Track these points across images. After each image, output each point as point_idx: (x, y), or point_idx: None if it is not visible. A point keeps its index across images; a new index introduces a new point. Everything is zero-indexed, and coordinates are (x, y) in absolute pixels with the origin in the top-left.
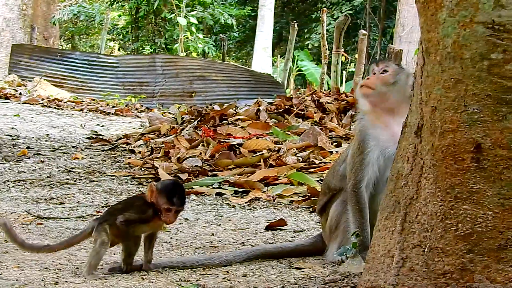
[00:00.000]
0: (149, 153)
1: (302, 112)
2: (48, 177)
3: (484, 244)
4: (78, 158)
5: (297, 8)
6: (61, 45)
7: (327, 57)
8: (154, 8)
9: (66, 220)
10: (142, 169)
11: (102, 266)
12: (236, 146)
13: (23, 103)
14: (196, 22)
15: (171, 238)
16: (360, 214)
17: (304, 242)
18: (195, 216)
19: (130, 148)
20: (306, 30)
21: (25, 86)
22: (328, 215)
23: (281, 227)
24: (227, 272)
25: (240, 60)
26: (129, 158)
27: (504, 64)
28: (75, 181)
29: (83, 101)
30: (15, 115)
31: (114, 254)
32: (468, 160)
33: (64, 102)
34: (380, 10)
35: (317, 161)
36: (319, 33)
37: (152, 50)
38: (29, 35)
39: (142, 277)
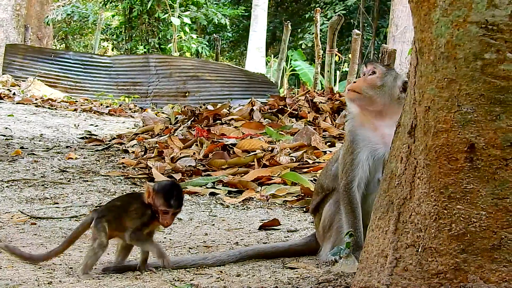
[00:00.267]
0: (142, 153)
1: (296, 112)
2: (42, 177)
3: (478, 244)
4: (72, 158)
5: (291, 8)
6: (55, 45)
7: (321, 57)
8: (148, 8)
9: (60, 220)
10: (136, 169)
11: (95, 266)
12: (230, 146)
13: (17, 103)
14: (189, 22)
15: (164, 238)
16: (352, 214)
17: (298, 242)
18: (189, 216)
19: (124, 148)
20: (299, 30)
21: (19, 86)
22: (322, 215)
23: (275, 227)
24: (221, 272)
25: (234, 60)
26: (123, 158)
27: (497, 64)
28: (69, 181)
29: (76, 101)
30: (9, 115)
31: (108, 254)
32: (462, 160)
33: (58, 102)
34: (373, 10)
35: (310, 161)
36: (313, 33)
37: (145, 50)
38: (22, 35)
39: (136, 277)
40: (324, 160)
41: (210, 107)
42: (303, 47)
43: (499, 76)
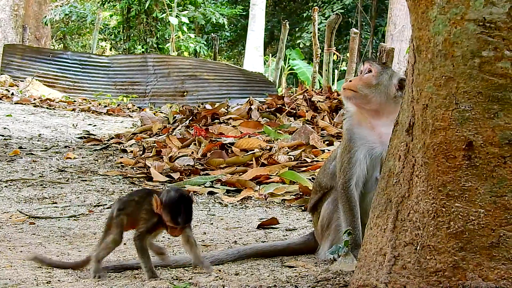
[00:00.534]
0: (141, 152)
1: (294, 111)
2: (40, 176)
3: (476, 242)
4: (70, 158)
5: (289, 7)
6: (53, 45)
7: (319, 56)
8: (146, 8)
9: (59, 220)
10: (134, 168)
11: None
12: (228, 145)
13: (15, 103)
14: (187, 21)
15: (163, 237)
16: (351, 213)
17: (296, 240)
18: None
19: (122, 147)
20: (297, 29)
21: (17, 86)
22: (320, 213)
23: (273, 226)
24: (219, 270)
25: (232, 59)
26: (121, 157)
27: (495, 61)
28: (67, 180)
29: (75, 101)
30: (7, 115)
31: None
32: (460, 158)
33: (56, 102)
34: (371, 9)
35: (309, 160)
36: (311, 32)
37: (143, 50)
38: (20, 35)
39: (134, 276)
40: (322, 159)
41: (208, 107)
42: (301, 46)
43: (496, 73)
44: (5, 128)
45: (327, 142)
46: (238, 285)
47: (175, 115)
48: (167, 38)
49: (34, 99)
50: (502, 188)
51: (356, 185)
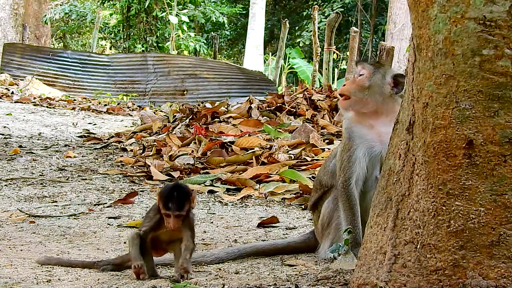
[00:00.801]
0: (141, 151)
1: (294, 110)
2: (40, 175)
3: (477, 240)
4: (70, 157)
5: (289, 6)
6: (53, 44)
7: (319, 54)
8: (146, 7)
9: (59, 218)
10: (134, 167)
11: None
12: (228, 144)
13: (15, 102)
14: (187, 20)
15: None
16: (351, 211)
17: (296, 239)
18: None
19: (122, 146)
20: (297, 28)
21: (17, 85)
22: (320, 212)
23: (273, 225)
24: (220, 269)
25: (232, 58)
26: (121, 156)
27: (495, 60)
28: (67, 179)
29: (75, 100)
30: (7, 114)
31: (107, 252)
32: (460, 156)
33: (56, 101)
34: (371, 7)
35: (309, 159)
36: (311, 31)
37: (143, 49)
38: (20, 34)
39: None
40: (322, 157)
41: (208, 105)
42: (301, 45)
43: (497, 72)
44: (5, 127)
45: (327, 140)
46: (238, 283)
47: (175, 114)
48: (167, 36)
49: (34, 98)
50: (502, 186)
51: (356, 183)
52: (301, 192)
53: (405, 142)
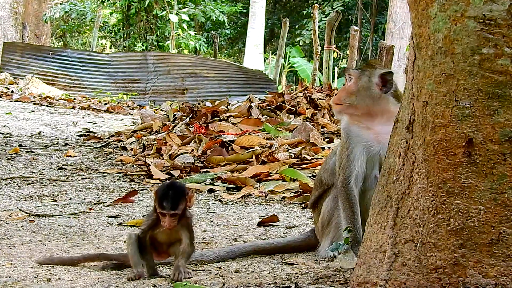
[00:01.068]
0: (141, 150)
1: (294, 109)
2: (40, 174)
3: (476, 238)
4: (70, 156)
5: (289, 5)
6: (53, 43)
7: (319, 53)
8: (146, 6)
9: (59, 217)
10: (134, 166)
11: (94, 263)
12: (228, 142)
13: (15, 101)
14: (187, 19)
15: None
16: (351, 210)
17: (297, 238)
18: None
19: (122, 145)
20: (297, 27)
21: (17, 84)
22: (321, 210)
23: (273, 223)
24: (220, 268)
25: (232, 57)
26: (121, 155)
27: (495, 58)
28: (67, 178)
29: (75, 99)
30: (7, 113)
31: (107, 251)
32: (460, 155)
33: (56, 100)
34: (371, 6)
35: (309, 157)
36: (311, 30)
37: (143, 48)
38: (20, 33)
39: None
40: (322, 156)
41: (208, 104)
42: (301, 43)
43: (496, 70)
44: (5, 126)
45: (327, 139)
46: (239, 282)
47: (175, 113)
48: (167, 35)
49: (34, 97)
50: (502, 185)
51: (355, 182)
52: (301, 190)
53: (405, 140)
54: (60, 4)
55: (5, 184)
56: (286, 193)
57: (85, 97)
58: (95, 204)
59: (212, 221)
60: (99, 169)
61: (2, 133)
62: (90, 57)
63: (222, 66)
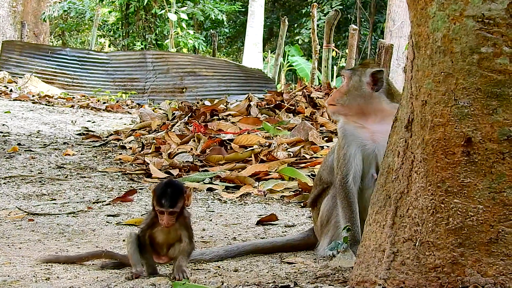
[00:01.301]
0: (140, 149)
1: (293, 107)
2: (39, 173)
3: (475, 237)
4: (69, 154)
5: (288, 4)
6: (52, 42)
7: (318, 52)
8: (145, 4)
9: (57, 216)
10: (133, 165)
11: (93, 262)
12: (227, 141)
13: (13, 100)
14: (186, 18)
15: None
16: (349, 209)
17: (295, 237)
18: None
19: (121, 144)
20: (296, 25)
21: (16, 83)
22: (320, 209)
23: (272, 222)
24: (219, 267)
25: (231, 55)
26: (120, 154)
27: (494, 57)
28: (66, 177)
29: (74, 98)
30: (5, 112)
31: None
32: (459, 154)
33: (55, 99)
34: (370, 5)
35: (308, 156)
36: (310, 28)
37: (142, 46)
38: (19, 31)
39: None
40: (321, 155)
41: (207, 103)
42: (300, 42)
43: (495, 70)
44: (3, 124)
45: (326, 138)
46: (237, 281)
47: (174, 112)
48: (166, 34)
49: (33, 96)
50: (500, 184)
51: (354, 181)
52: (300, 189)
53: (404, 140)
54: (59, 2)
55: (4, 183)
56: (285, 192)
57: (84, 96)
58: (94, 203)
59: (211, 220)
60: (98, 168)
61: (1, 132)
62: (89, 56)
63: (221, 65)
